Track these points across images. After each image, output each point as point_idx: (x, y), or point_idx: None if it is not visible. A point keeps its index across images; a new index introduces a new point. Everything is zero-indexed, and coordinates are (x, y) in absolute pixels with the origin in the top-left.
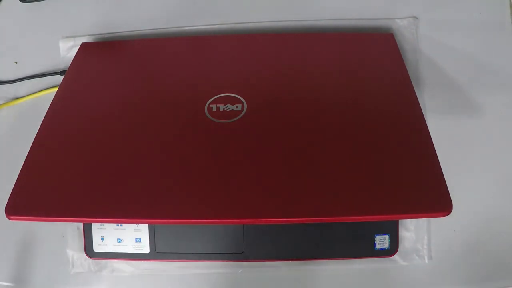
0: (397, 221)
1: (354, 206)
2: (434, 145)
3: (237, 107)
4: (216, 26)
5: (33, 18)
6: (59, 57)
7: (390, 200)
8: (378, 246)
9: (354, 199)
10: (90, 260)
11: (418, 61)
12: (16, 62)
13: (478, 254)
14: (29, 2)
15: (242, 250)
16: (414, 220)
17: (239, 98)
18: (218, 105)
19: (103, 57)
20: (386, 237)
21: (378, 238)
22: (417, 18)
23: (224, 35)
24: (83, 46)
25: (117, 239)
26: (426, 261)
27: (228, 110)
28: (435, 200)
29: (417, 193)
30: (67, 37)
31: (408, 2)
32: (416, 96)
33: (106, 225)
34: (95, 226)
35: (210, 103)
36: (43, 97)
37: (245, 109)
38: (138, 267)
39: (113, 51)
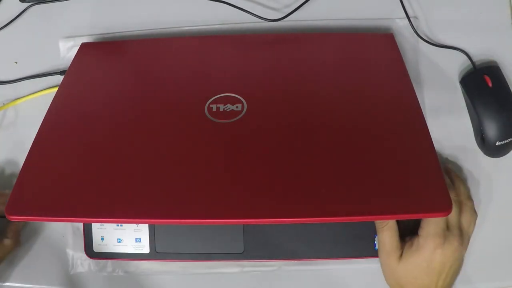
0: None
1: (354, 206)
2: (434, 145)
3: (237, 107)
4: (216, 26)
5: (33, 18)
6: (59, 57)
7: (390, 200)
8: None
9: (354, 199)
10: (90, 260)
11: (418, 61)
12: (16, 62)
13: (477, 254)
14: (29, 2)
15: (242, 250)
16: None
17: (239, 98)
18: (218, 105)
19: (103, 57)
20: None
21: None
22: (417, 18)
23: (224, 35)
24: (83, 46)
25: (117, 239)
26: None
27: (228, 110)
28: (435, 200)
29: (417, 193)
30: (67, 37)
31: (408, 2)
32: (416, 96)
33: (106, 225)
34: (95, 226)
35: (210, 103)
36: (43, 97)
37: (245, 109)
38: (138, 267)
39: (113, 51)
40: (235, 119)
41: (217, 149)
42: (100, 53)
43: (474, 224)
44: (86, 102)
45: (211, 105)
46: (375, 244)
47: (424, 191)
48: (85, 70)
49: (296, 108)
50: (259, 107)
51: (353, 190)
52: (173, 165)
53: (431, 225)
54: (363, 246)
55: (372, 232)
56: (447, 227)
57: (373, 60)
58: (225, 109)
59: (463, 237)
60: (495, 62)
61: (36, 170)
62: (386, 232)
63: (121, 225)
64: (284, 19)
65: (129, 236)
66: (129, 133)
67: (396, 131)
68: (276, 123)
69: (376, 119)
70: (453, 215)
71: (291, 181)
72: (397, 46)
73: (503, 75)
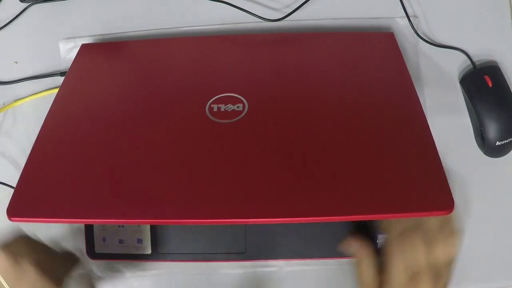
0: None
1: (354, 205)
2: (436, 144)
3: (238, 107)
4: (216, 26)
5: (33, 18)
6: (59, 58)
7: (391, 199)
8: (380, 245)
9: (355, 198)
10: (91, 261)
11: (418, 61)
12: (16, 62)
13: (476, 254)
14: (29, 2)
15: (243, 250)
16: None
17: (240, 98)
18: (219, 105)
19: (103, 58)
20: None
21: (380, 237)
22: (417, 17)
23: (224, 35)
24: (84, 47)
25: (119, 240)
26: None
27: (229, 110)
28: (436, 198)
29: (419, 192)
30: (67, 38)
31: (408, 1)
32: (417, 95)
33: (108, 226)
34: (97, 227)
35: (211, 103)
36: (43, 98)
37: (246, 109)
38: (140, 268)
39: (114, 52)
40: (236, 119)
41: (218, 149)
42: (100, 54)
43: (453, 250)
44: (87, 103)
45: (212, 105)
46: (376, 244)
47: (425, 190)
48: (85, 71)
49: (296, 107)
50: (260, 107)
51: (354, 189)
52: (174, 165)
53: (392, 274)
54: None
55: (374, 231)
56: (418, 267)
57: (373, 59)
58: (226, 109)
59: (439, 274)
60: (495, 62)
61: (37, 172)
62: (362, 267)
63: (123, 226)
64: (284, 19)
65: (130, 237)
66: (129, 134)
67: (397, 130)
68: (277, 123)
69: (377, 118)
70: (419, 255)
71: (292, 180)
72: (397, 46)
73: (503, 75)
